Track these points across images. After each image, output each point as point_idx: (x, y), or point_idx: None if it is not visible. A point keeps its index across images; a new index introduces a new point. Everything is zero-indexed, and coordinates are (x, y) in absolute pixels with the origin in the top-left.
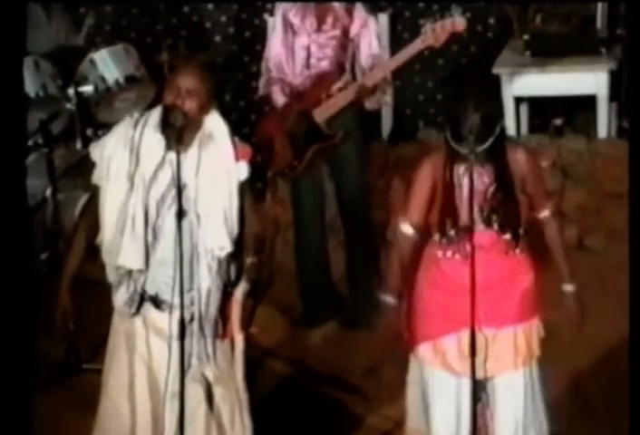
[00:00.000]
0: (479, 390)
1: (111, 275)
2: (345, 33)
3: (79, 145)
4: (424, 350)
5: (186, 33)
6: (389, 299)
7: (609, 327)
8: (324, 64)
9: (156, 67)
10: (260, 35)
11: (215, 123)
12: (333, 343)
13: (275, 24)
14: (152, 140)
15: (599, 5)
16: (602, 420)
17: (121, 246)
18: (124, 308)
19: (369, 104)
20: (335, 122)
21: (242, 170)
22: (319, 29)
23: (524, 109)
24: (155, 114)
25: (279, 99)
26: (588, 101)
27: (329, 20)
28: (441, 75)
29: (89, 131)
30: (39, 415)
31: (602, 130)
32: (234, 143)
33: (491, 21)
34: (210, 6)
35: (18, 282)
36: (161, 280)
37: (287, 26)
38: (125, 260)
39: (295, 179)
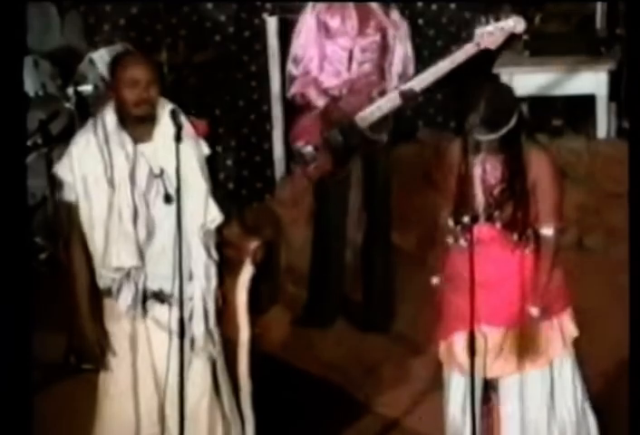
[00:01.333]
0: (488, 389)
1: (106, 281)
2: (384, 36)
3: None
4: (442, 350)
5: (185, 32)
6: (434, 280)
7: (609, 327)
8: (367, 68)
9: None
10: (260, 35)
11: (163, 105)
12: (336, 343)
13: (304, 23)
14: (118, 139)
15: (598, 5)
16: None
17: (114, 248)
18: (130, 311)
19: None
20: (379, 127)
21: (204, 146)
22: (362, 32)
23: (523, 108)
24: (110, 115)
25: (319, 100)
26: (588, 101)
27: (372, 23)
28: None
29: None
30: (39, 415)
31: (601, 129)
32: (190, 121)
33: (490, 21)
34: (210, 6)
35: (18, 282)
36: (162, 273)
37: (321, 27)
38: (120, 260)
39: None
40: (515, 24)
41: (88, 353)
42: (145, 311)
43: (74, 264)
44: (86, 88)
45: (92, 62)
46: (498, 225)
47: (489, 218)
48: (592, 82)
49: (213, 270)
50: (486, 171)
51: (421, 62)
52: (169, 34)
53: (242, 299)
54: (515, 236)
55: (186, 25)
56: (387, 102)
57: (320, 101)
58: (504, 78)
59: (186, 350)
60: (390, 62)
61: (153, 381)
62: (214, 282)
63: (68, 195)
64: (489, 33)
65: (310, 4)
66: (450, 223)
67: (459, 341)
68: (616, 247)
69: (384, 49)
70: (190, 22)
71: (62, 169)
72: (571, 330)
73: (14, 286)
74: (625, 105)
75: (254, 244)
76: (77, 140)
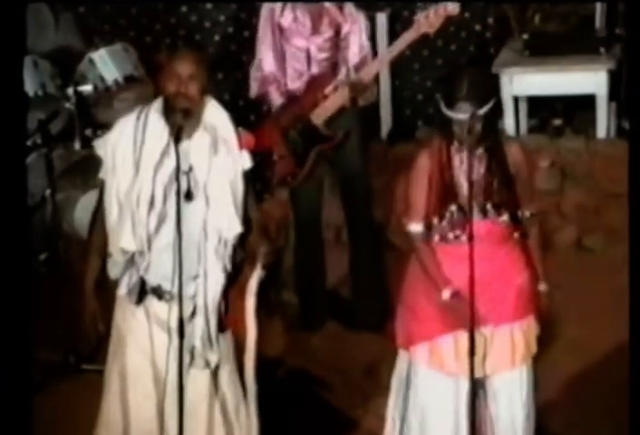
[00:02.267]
0: (477, 389)
1: (115, 268)
2: (338, 32)
3: (78, 145)
4: (421, 351)
5: (184, 32)
6: (446, 293)
7: (609, 327)
8: (324, 65)
9: (155, 67)
10: None
11: (215, 109)
12: (331, 344)
13: (260, 26)
14: (157, 127)
15: (598, 5)
16: (601, 421)
17: (124, 229)
18: (127, 297)
19: (361, 101)
20: (335, 123)
21: (245, 159)
22: (316, 31)
23: (523, 108)
24: (157, 104)
25: (276, 99)
26: (587, 101)
27: (325, 21)
28: (440, 75)
29: (88, 131)
30: (39, 415)
31: (601, 129)
32: (237, 131)
33: (490, 20)
34: (209, 6)
35: (17, 282)
36: (165, 268)
37: (275, 29)
38: (127, 242)
39: (294, 189)
40: (449, 6)
41: (83, 333)
42: (140, 301)
43: (93, 242)
44: (86, 88)
45: (91, 61)
46: (490, 215)
47: (485, 216)
48: (592, 81)
49: (221, 274)
50: (471, 168)
51: (421, 62)
52: (169, 34)
53: (250, 303)
54: (505, 217)
55: (185, 25)
56: (339, 97)
57: (278, 101)
58: (504, 78)
59: (186, 350)
60: (345, 57)
61: (152, 377)
62: (220, 286)
63: (102, 172)
64: (426, 17)
65: (262, 6)
66: (435, 221)
67: (446, 343)
68: (616, 247)
69: (339, 45)
70: (190, 22)
71: (98, 145)
72: (537, 329)
73: (14, 286)
74: (625, 105)
75: (264, 248)
76: (121, 120)
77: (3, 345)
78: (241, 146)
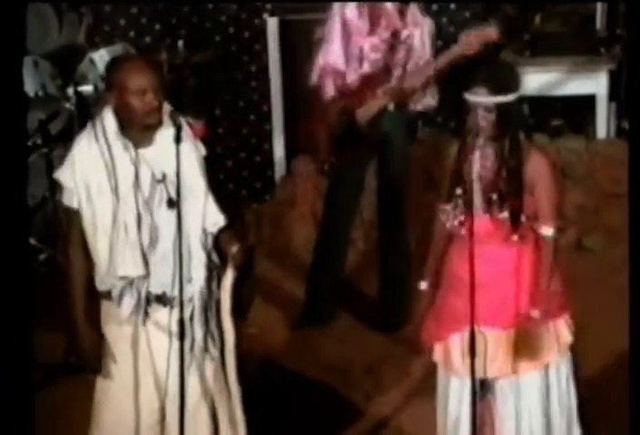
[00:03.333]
0: (485, 391)
1: (106, 285)
2: (396, 35)
3: None
4: (437, 352)
5: (185, 32)
6: (422, 285)
7: (609, 327)
8: (376, 66)
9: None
10: (260, 35)
11: (164, 108)
12: (331, 344)
13: (332, 14)
14: (120, 145)
15: (599, 5)
16: (601, 421)
17: (119, 257)
18: (132, 317)
19: (413, 106)
20: (379, 123)
21: (201, 148)
22: (372, 31)
23: (524, 109)
24: (108, 120)
25: (329, 91)
26: (588, 101)
27: (382, 22)
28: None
29: None
30: (39, 415)
31: (601, 130)
32: (188, 122)
33: (490, 20)
34: (210, 6)
35: (17, 282)
36: (164, 277)
37: (344, 23)
38: (126, 270)
39: (333, 175)
40: (489, 31)
41: (83, 359)
42: (147, 315)
43: (72, 266)
44: (86, 88)
45: (92, 62)
46: (495, 216)
47: (488, 211)
48: (592, 82)
49: (213, 272)
50: (484, 164)
51: None
52: (169, 35)
53: (226, 304)
54: (506, 214)
55: (186, 26)
56: (382, 99)
57: (330, 93)
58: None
59: (186, 352)
60: (399, 60)
61: (154, 383)
62: (214, 284)
63: (69, 200)
64: (467, 37)
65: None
66: (448, 207)
67: (455, 342)
68: (616, 248)
69: (395, 48)
70: (190, 22)
71: (63, 175)
72: (566, 336)
73: (14, 286)
74: (625, 105)
75: (234, 247)
76: (78, 145)
77: (3, 345)
78: (195, 135)
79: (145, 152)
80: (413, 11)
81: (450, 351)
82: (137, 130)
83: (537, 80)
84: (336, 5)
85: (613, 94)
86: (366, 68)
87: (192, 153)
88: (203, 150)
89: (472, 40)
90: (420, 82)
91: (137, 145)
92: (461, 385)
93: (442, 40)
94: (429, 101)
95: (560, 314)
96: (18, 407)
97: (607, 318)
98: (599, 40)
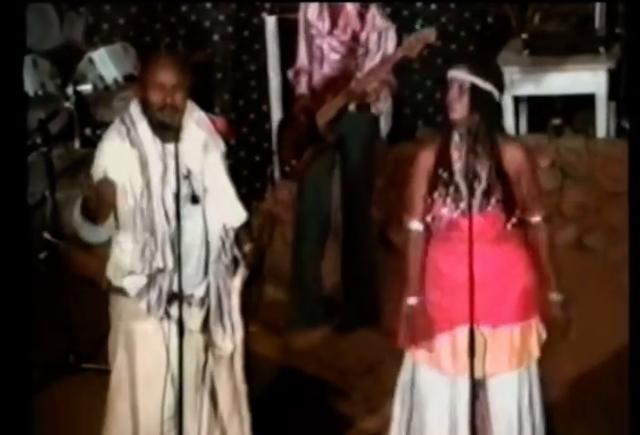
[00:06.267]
0: (476, 389)
1: (123, 281)
2: (356, 37)
3: (77, 144)
4: (421, 352)
5: (184, 32)
6: (412, 301)
7: (609, 327)
8: (335, 67)
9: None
10: (259, 35)
11: (191, 108)
12: (331, 344)
13: (299, 16)
14: (150, 143)
15: (598, 5)
16: (601, 421)
17: (147, 250)
18: (150, 312)
19: (374, 109)
20: (338, 125)
21: (221, 144)
22: (331, 32)
23: (523, 108)
24: (136, 116)
25: (300, 90)
26: (587, 101)
27: (341, 23)
28: (440, 74)
29: (87, 131)
30: (39, 415)
31: (601, 129)
32: (210, 118)
33: (490, 20)
34: (209, 5)
35: (17, 281)
36: (187, 273)
37: (306, 23)
38: (157, 263)
39: (299, 180)
40: (426, 34)
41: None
42: (166, 311)
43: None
44: (85, 87)
45: (91, 61)
46: (484, 211)
47: (478, 208)
48: (591, 81)
49: (231, 268)
50: (467, 163)
51: (421, 62)
52: (168, 34)
53: (235, 302)
54: (502, 218)
55: (185, 25)
56: (337, 102)
57: (300, 91)
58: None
59: (201, 348)
60: (359, 63)
61: (169, 378)
62: (228, 281)
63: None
64: (409, 42)
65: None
66: (436, 195)
67: (444, 341)
68: (616, 247)
69: (355, 50)
70: (189, 21)
71: (96, 172)
72: (543, 333)
73: (14, 286)
74: (625, 104)
75: (248, 246)
76: (109, 140)
77: (3, 345)
78: (217, 129)
79: (172, 148)
80: (374, 14)
81: (438, 350)
82: (158, 127)
83: (535, 79)
84: (301, 5)
85: (612, 93)
86: (326, 69)
87: (215, 149)
88: (223, 146)
89: (413, 43)
90: (367, 86)
91: (164, 140)
92: (452, 385)
93: (441, 38)
94: (381, 105)
95: (536, 311)
96: (18, 407)
97: (607, 317)
98: (598, 39)
